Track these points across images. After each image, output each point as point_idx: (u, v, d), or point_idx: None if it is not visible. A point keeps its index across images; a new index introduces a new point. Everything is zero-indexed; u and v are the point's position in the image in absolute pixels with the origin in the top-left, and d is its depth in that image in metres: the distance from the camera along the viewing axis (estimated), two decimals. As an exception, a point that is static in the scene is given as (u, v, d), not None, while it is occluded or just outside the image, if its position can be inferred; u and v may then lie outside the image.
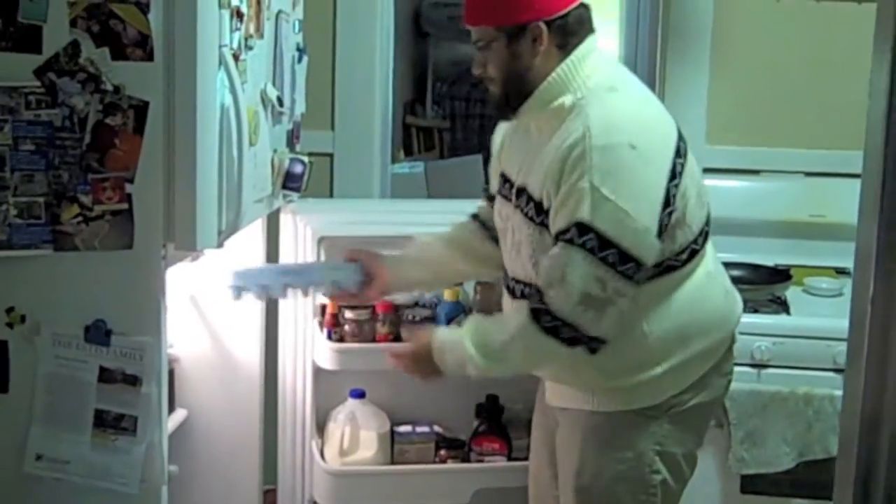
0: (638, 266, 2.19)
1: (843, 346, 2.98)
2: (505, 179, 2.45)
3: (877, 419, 1.34)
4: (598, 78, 2.30)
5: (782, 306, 3.15)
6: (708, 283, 2.40)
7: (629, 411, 2.36)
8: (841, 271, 3.50)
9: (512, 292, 2.44)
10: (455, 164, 5.23)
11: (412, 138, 5.46)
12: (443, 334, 2.40)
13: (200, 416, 2.98)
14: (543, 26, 2.26)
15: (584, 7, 2.32)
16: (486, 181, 2.68)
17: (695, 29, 3.60)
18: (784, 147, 3.61)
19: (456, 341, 2.33)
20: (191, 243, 2.25)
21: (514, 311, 2.33)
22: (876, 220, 1.34)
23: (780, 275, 3.23)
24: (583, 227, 2.16)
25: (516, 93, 2.31)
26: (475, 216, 2.69)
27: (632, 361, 2.33)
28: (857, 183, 3.47)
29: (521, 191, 2.34)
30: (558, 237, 2.20)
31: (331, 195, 3.63)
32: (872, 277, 1.35)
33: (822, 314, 3.15)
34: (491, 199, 2.60)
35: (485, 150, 5.65)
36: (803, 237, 3.50)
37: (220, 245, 2.31)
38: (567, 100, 2.27)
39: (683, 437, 2.40)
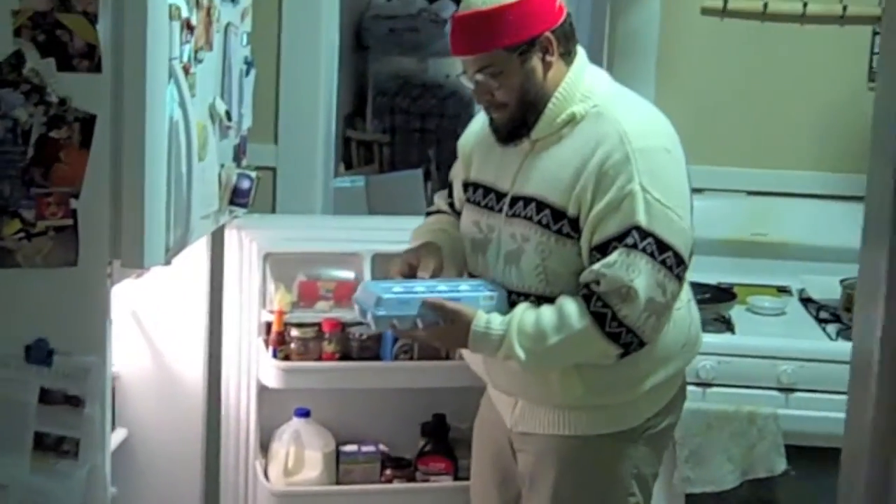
0: (685, 269, 2.23)
1: (786, 365, 3.04)
2: (485, 190, 2.39)
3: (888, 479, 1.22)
4: (604, 85, 2.33)
5: (727, 325, 3.16)
6: (689, 300, 2.42)
7: (608, 435, 2.34)
8: (783, 290, 3.52)
9: None
10: (396, 178, 5.20)
11: (352, 152, 5.42)
12: (488, 324, 2.23)
13: (141, 436, 2.91)
14: (552, 36, 2.24)
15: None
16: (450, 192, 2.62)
17: (640, 48, 3.61)
18: (727, 166, 3.63)
19: (499, 336, 2.23)
20: (138, 261, 2.20)
21: (573, 312, 2.20)
22: (885, 251, 1.19)
23: (725, 294, 3.24)
24: (641, 231, 2.16)
25: (533, 112, 2.27)
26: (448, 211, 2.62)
27: (620, 378, 2.31)
28: (798, 202, 3.60)
29: (528, 200, 2.29)
30: (611, 243, 2.18)
31: (273, 209, 3.59)
32: (881, 315, 1.20)
33: (767, 333, 3.17)
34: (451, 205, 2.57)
35: (425, 163, 5.71)
36: (745, 256, 3.52)
37: (167, 262, 2.26)
38: (577, 109, 2.26)
39: (654, 459, 2.41)
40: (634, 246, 2.17)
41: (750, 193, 3.63)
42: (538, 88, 2.26)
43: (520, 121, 2.28)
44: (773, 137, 3.65)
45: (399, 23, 5.83)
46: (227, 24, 2.60)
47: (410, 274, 2.34)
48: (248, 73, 2.80)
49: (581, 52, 2.32)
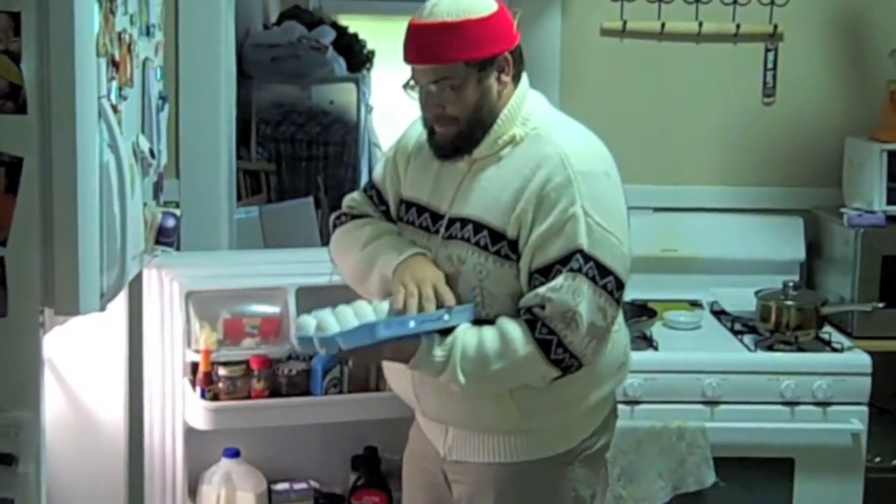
0: (623, 293, 2.23)
1: (710, 379, 3.08)
2: (419, 209, 2.36)
3: None
4: (542, 109, 2.32)
5: (649, 342, 3.19)
6: (622, 321, 2.41)
7: (545, 459, 2.33)
8: (694, 303, 3.58)
9: None
10: (288, 207, 5.13)
11: (239, 183, 5.31)
12: (430, 355, 2.20)
13: (60, 487, 2.78)
14: (509, 56, 2.24)
15: None
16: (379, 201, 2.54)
17: (543, 69, 3.61)
18: (633, 183, 3.62)
19: (441, 362, 2.20)
20: (72, 308, 2.11)
21: (517, 338, 2.18)
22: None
23: (646, 311, 3.27)
24: (584, 255, 2.16)
25: (480, 130, 2.25)
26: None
27: (556, 400, 2.29)
28: (703, 216, 3.65)
29: (465, 221, 2.26)
30: (554, 266, 2.17)
31: (178, 242, 3.48)
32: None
33: (687, 347, 3.21)
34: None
35: (314, 190, 5.64)
36: (656, 272, 3.56)
37: (102, 308, 2.17)
38: (518, 131, 2.26)
39: (592, 479, 2.39)
40: (578, 270, 2.17)
41: (656, 210, 3.67)
42: (491, 107, 2.24)
43: (466, 138, 2.26)
44: (676, 154, 3.72)
45: (280, 51, 5.74)
46: (145, 60, 2.52)
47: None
48: (162, 108, 2.71)
49: (524, 76, 2.32)
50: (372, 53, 6.30)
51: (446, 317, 2.22)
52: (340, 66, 5.92)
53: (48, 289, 2.10)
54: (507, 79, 2.25)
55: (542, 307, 2.18)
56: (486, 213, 2.25)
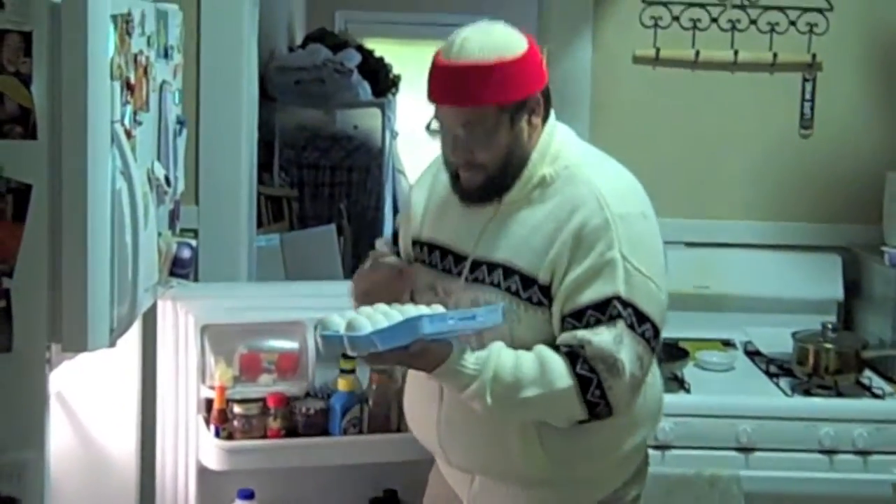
0: (659, 341, 2.13)
1: (745, 424, 2.96)
2: (442, 251, 2.25)
3: None
4: (572, 144, 2.21)
5: (680, 384, 3.06)
6: (656, 366, 2.30)
7: None
8: (727, 343, 3.46)
9: (436, 388, 2.24)
10: (309, 235, 5.03)
11: (261, 208, 5.22)
12: (461, 362, 2.06)
13: (68, 527, 2.68)
14: (540, 97, 2.14)
15: None
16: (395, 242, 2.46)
17: (573, 98, 3.52)
18: (664, 217, 3.51)
19: (471, 376, 2.06)
20: (81, 344, 2.01)
21: (558, 369, 2.06)
22: None
23: (678, 352, 3.14)
24: (622, 302, 2.05)
25: (510, 176, 2.14)
26: None
27: (585, 448, 2.18)
28: (737, 252, 3.53)
29: (493, 265, 2.15)
30: (587, 311, 2.06)
31: (196, 272, 3.39)
32: None
33: (720, 391, 3.08)
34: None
35: (336, 218, 5.54)
36: (687, 309, 3.42)
37: (112, 344, 2.07)
38: (548, 171, 2.15)
39: None
40: (618, 316, 2.06)
41: (688, 244, 3.55)
42: (521, 151, 2.13)
43: (495, 184, 2.15)
44: (709, 187, 3.60)
45: (304, 74, 5.67)
46: (163, 83, 2.43)
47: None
48: (180, 132, 2.62)
49: (552, 111, 2.21)
50: (398, 78, 6.23)
51: (480, 318, 2.08)
52: (365, 90, 5.85)
53: (55, 323, 2.01)
54: (537, 120, 2.14)
55: (582, 347, 2.07)
56: (516, 258, 2.14)
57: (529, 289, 2.12)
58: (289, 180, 5.59)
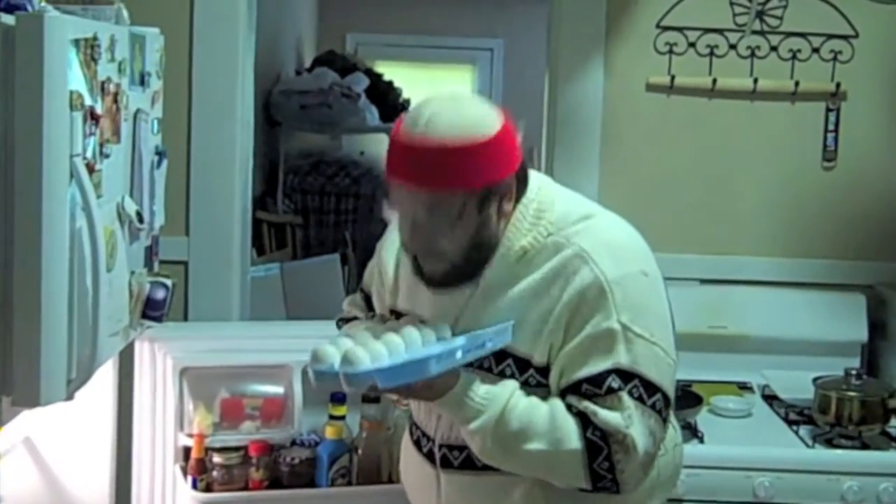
0: (670, 411, 1.98)
1: (762, 477, 2.78)
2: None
3: None
4: (560, 209, 2.00)
5: (694, 433, 2.89)
6: (675, 426, 2.16)
7: None
8: (743, 386, 3.28)
9: (434, 459, 2.07)
10: (312, 264, 4.89)
11: (263, 236, 5.08)
12: (469, 393, 1.91)
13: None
14: (512, 184, 1.94)
15: None
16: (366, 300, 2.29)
17: (583, 126, 3.38)
18: (677, 252, 3.38)
19: (477, 410, 1.91)
20: (32, 398, 1.88)
21: (570, 429, 1.90)
22: None
23: (691, 398, 2.97)
24: (624, 374, 1.88)
25: (479, 261, 1.95)
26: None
27: None
28: (754, 290, 3.36)
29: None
30: (582, 384, 1.89)
31: (185, 307, 3.24)
32: None
33: (736, 441, 2.90)
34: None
35: (341, 246, 5.40)
36: (702, 350, 3.25)
37: (69, 397, 1.92)
38: (529, 241, 1.96)
39: None
40: (619, 389, 1.89)
41: (703, 282, 3.39)
42: (489, 238, 1.94)
43: (460, 272, 1.95)
44: (726, 221, 3.43)
45: (310, 98, 5.54)
46: (137, 112, 2.28)
47: None
48: (159, 164, 2.47)
49: (531, 177, 2.02)
50: (407, 102, 6.11)
51: (489, 343, 1.92)
52: (373, 114, 5.72)
53: (5, 376, 1.87)
54: (508, 206, 1.94)
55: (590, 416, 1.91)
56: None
57: (525, 372, 1.96)
58: (293, 207, 5.46)
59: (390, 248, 2.17)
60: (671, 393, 1.96)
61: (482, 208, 1.89)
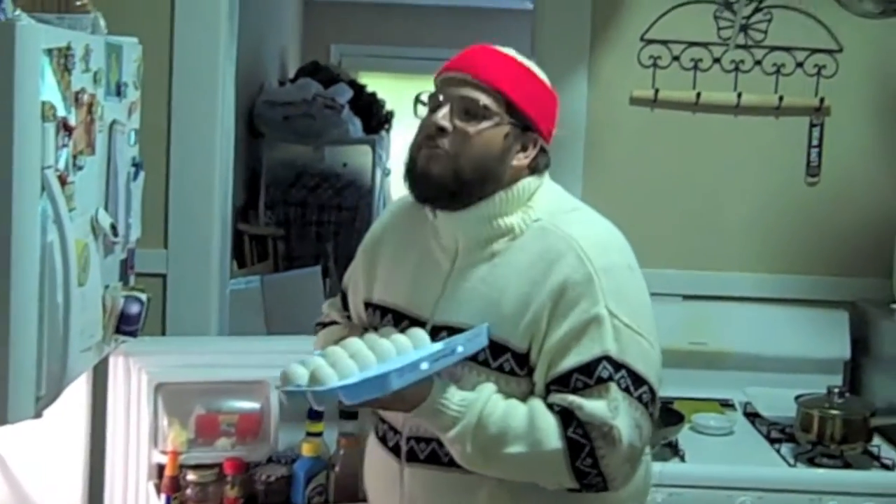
0: (656, 406, 1.94)
1: (744, 497, 2.75)
2: (397, 316, 2.03)
3: None
4: (551, 198, 2.02)
5: (674, 451, 2.86)
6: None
7: None
8: (725, 404, 3.25)
9: (400, 453, 2.03)
10: (293, 277, 4.85)
11: (244, 248, 5.04)
12: (442, 400, 1.89)
13: None
14: (539, 143, 1.98)
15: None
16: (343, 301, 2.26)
17: (565, 139, 3.30)
18: (660, 268, 3.34)
19: (454, 418, 1.89)
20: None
21: (549, 428, 1.87)
22: None
23: (673, 416, 2.93)
24: (613, 362, 1.86)
25: (473, 184, 1.93)
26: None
27: None
28: (737, 306, 3.34)
29: (456, 331, 1.93)
30: (573, 374, 1.86)
31: (163, 320, 3.21)
32: None
33: (718, 459, 2.87)
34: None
35: (323, 259, 5.36)
36: (683, 367, 3.22)
37: (37, 415, 1.87)
38: (516, 220, 1.96)
39: None
40: (609, 379, 1.86)
41: (685, 298, 3.36)
42: (497, 170, 1.94)
43: (452, 185, 1.93)
44: (708, 236, 3.41)
45: (293, 109, 5.51)
46: (113, 123, 2.24)
47: None
48: (136, 176, 2.43)
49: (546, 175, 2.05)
50: (391, 114, 6.07)
51: (460, 348, 1.89)
52: (356, 126, 5.69)
53: (-27, 392, 1.80)
54: (524, 159, 1.97)
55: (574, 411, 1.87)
56: (482, 322, 1.93)
57: (501, 356, 1.92)
58: (275, 218, 5.42)
59: (371, 241, 2.18)
60: (657, 388, 1.93)
61: (508, 137, 1.93)
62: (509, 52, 2.00)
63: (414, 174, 1.98)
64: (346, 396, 1.78)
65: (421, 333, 1.93)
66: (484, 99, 1.92)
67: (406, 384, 1.81)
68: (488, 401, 1.90)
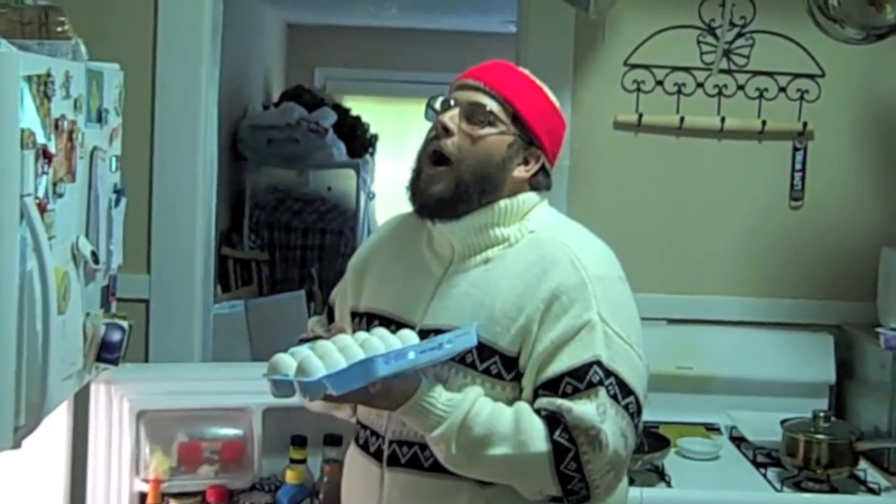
0: (641, 420, 1.93)
1: (732, 524, 2.75)
2: (384, 321, 2.03)
3: None
4: (548, 216, 2.07)
5: (660, 476, 2.84)
6: None
7: None
8: (711, 427, 3.25)
9: (382, 457, 2.01)
10: (277, 301, 4.83)
11: (229, 272, 5.02)
12: (428, 399, 1.88)
13: None
14: (542, 160, 2.03)
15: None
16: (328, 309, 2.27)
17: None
18: (644, 292, 3.30)
19: (439, 417, 1.88)
20: (-23, 447, 1.78)
21: (535, 430, 1.86)
22: None
23: (659, 441, 2.92)
24: (603, 369, 1.86)
25: (475, 188, 1.97)
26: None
27: None
28: (722, 330, 3.33)
29: (441, 334, 1.93)
30: (564, 378, 1.86)
31: (146, 345, 3.18)
32: None
33: (704, 484, 2.86)
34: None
35: (307, 282, 5.34)
36: (668, 391, 3.21)
37: (16, 445, 1.85)
38: (512, 231, 1.99)
39: None
40: (599, 383, 1.86)
41: (670, 322, 3.35)
42: (499, 178, 1.98)
43: (454, 196, 1.96)
44: (693, 260, 3.40)
45: (277, 133, 5.50)
46: (94, 149, 2.22)
47: None
48: (117, 202, 2.42)
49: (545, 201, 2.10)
50: (375, 138, 6.07)
51: (448, 345, 1.88)
52: (340, 150, 5.68)
53: (-51, 422, 1.78)
54: (525, 172, 2.01)
55: (562, 415, 1.87)
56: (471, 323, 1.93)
57: (489, 359, 1.93)
58: (259, 242, 5.40)
59: (362, 255, 2.19)
60: (643, 401, 1.93)
61: (511, 147, 1.98)
62: (524, 70, 2.07)
63: (415, 190, 2.02)
64: (333, 386, 1.78)
65: (410, 333, 1.93)
66: (491, 105, 1.98)
67: (392, 371, 1.81)
68: (475, 402, 1.90)
